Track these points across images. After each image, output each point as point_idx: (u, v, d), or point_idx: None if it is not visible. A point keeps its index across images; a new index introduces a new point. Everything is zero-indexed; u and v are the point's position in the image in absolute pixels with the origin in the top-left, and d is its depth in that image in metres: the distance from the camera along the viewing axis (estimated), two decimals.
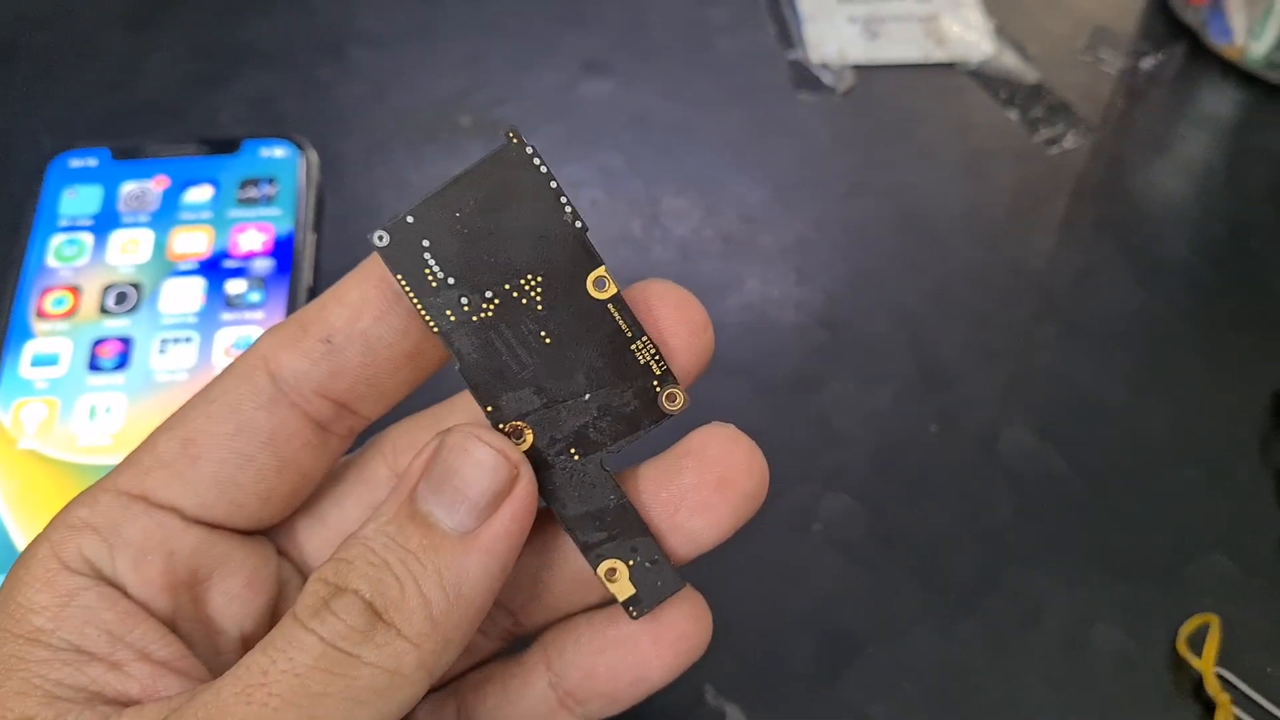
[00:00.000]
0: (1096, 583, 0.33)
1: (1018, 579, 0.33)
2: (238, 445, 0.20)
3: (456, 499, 0.18)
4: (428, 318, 0.19)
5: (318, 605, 0.17)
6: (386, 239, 0.19)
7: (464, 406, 0.22)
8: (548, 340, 0.20)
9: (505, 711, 0.22)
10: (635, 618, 0.21)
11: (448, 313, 0.19)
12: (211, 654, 0.20)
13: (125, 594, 0.19)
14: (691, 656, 0.21)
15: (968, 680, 0.31)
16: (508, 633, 0.23)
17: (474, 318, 0.19)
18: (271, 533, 0.22)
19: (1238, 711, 0.30)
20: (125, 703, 0.18)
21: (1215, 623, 0.31)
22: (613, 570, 0.20)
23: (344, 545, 0.18)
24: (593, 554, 0.21)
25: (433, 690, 0.22)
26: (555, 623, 0.22)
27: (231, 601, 0.21)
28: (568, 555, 0.22)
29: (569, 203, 0.19)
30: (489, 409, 0.20)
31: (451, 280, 0.19)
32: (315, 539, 0.22)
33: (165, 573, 0.19)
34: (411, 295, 0.19)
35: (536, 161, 0.19)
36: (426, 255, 0.19)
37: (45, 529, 0.20)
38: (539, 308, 0.19)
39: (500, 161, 0.19)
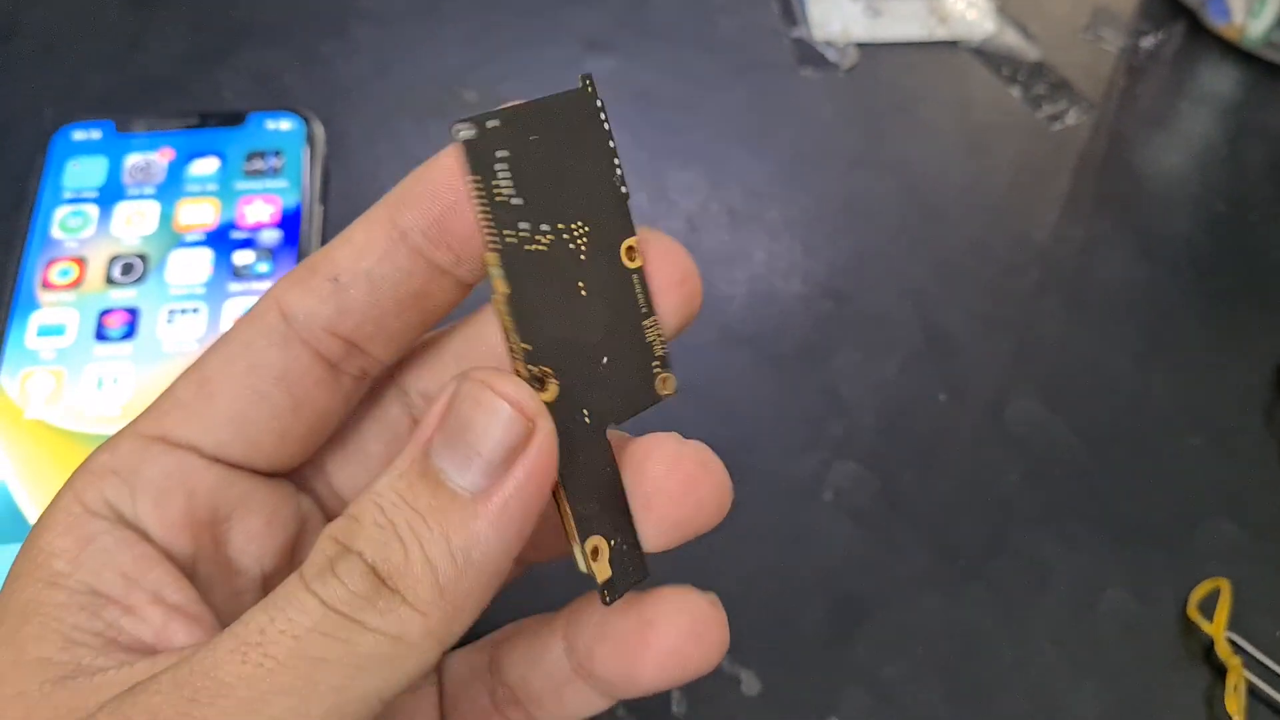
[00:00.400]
0: (1104, 548, 0.33)
1: (1026, 544, 0.33)
2: (251, 382, 0.20)
3: (469, 454, 0.17)
4: (491, 232, 0.18)
5: (323, 565, 0.17)
6: (472, 133, 0.18)
7: (476, 336, 0.22)
8: (583, 293, 0.19)
9: (527, 668, 0.22)
10: (608, 603, 0.19)
11: (507, 233, 0.18)
12: (230, 595, 0.20)
13: (146, 537, 0.19)
14: (688, 673, 0.20)
15: (977, 643, 0.31)
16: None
17: (529, 247, 0.18)
18: (302, 472, 0.22)
19: (1248, 674, 0.31)
20: (139, 648, 0.18)
21: (1226, 587, 0.32)
22: (596, 550, 0.19)
23: (357, 500, 0.17)
24: (583, 526, 0.19)
25: (466, 642, 0.22)
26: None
27: (251, 541, 0.20)
28: None
29: (619, 165, 0.19)
30: (527, 347, 0.18)
31: (517, 201, 0.18)
32: (343, 475, 0.22)
33: (186, 512, 0.19)
34: (481, 201, 0.18)
35: (603, 116, 0.19)
36: (501, 167, 0.18)
37: (70, 477, 0.19)
38: (582, 257, 0.19)
39: (572, 103, 0.19)
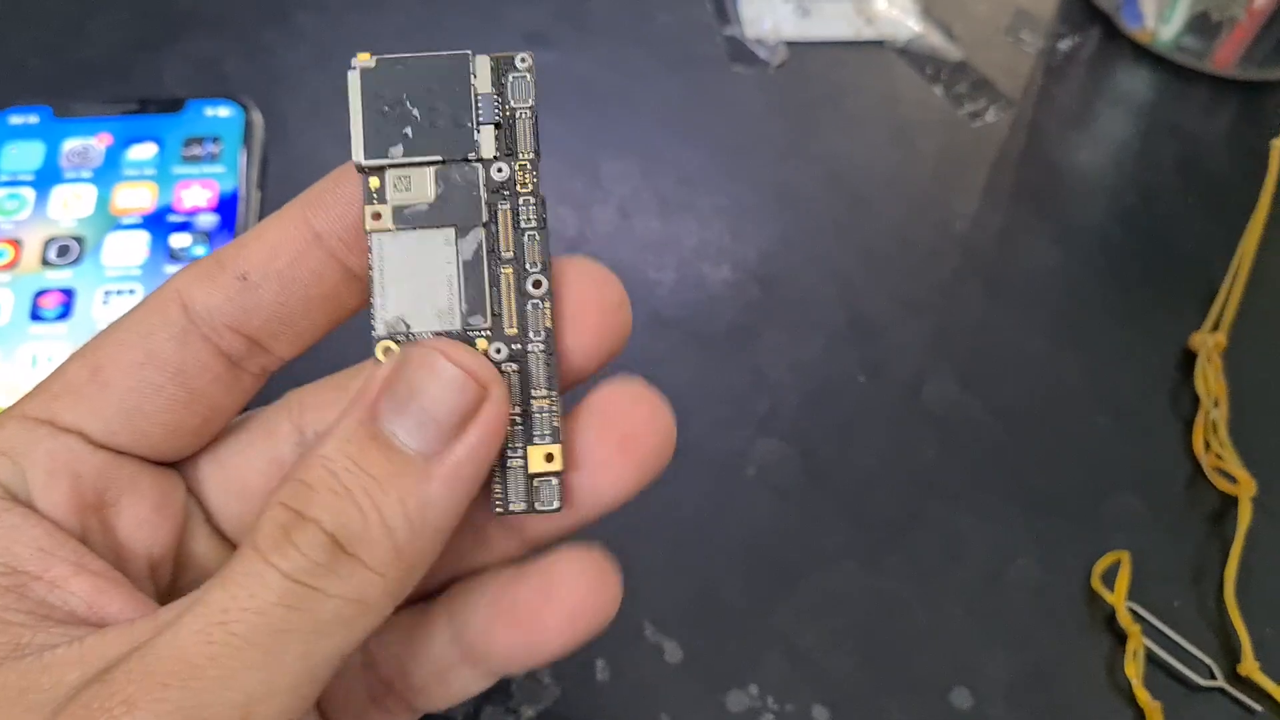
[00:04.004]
0: (1015, 521, 0.34)
1: (941, 517, 0.34)
2: (146, 374, 0.19)
3: (422, 419, 0.17)
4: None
5: (278, 536, 0.17)
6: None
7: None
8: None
9: (407, 659, 0.21)
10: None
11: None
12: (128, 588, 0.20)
13: (43, 516, 0.19)
14: (594, 626, 0.20)
15: (894, 611, 0.33)
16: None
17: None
18: (181, 466, 0.21)
19: (1147, 642, 0.32)
20: (74, 621, 0.18)
21: (1126, 559, 0.33)
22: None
23: (302, 465, 0.17)
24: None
25: None
26: (458, 580, 0.22)
27: (140, 526, 0.20)
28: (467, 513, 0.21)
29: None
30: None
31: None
32: (213, 480, 0.22)
33: (72, 494, 0.19)
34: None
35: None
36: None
37: None
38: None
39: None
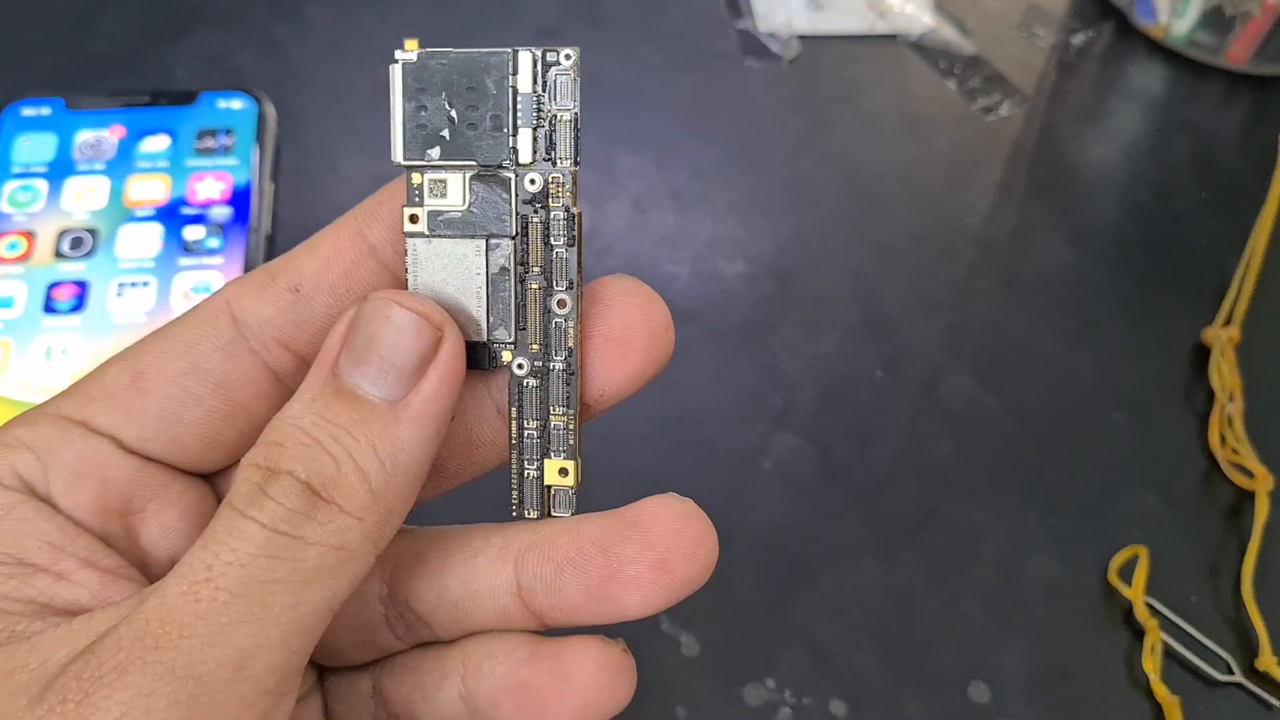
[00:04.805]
0: (1031, 517, 0.34)
1: (957, 513, 0.34)
2: (188, 384, 0.19)
3: (382, 368, 0.18)
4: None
5: (253, 492, 0.17)
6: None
7: None
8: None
9: (416, 703, 0.21)
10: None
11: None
12: (141, 587, 0.20)
13: (59, 511, 0.19)
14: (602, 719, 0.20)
15: (910, 607, 0.33)
16: (421, 639, 0.22)
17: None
18: (213, 478, 0.21)
19: (1165, 636, 0.32)
20: (77, 612, 0.18)
21: (1144, 554, 0.33)
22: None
23: (270, 429, 0.18)
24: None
25: (348, 668, 0.22)
26: (474, 635, 0.21)
27: (165, 535, 0.20)
28: (476, 569, 0.21)
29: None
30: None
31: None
32: None
33: (98, 498, 0.19)
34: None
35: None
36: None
37: None
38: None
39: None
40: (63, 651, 0.16)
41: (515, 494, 0.20)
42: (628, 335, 0.20)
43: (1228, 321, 0.38)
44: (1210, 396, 0.37)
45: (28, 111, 0.39)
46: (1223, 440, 0.36)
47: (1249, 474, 0.35)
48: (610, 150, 0.41)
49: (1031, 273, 0.40)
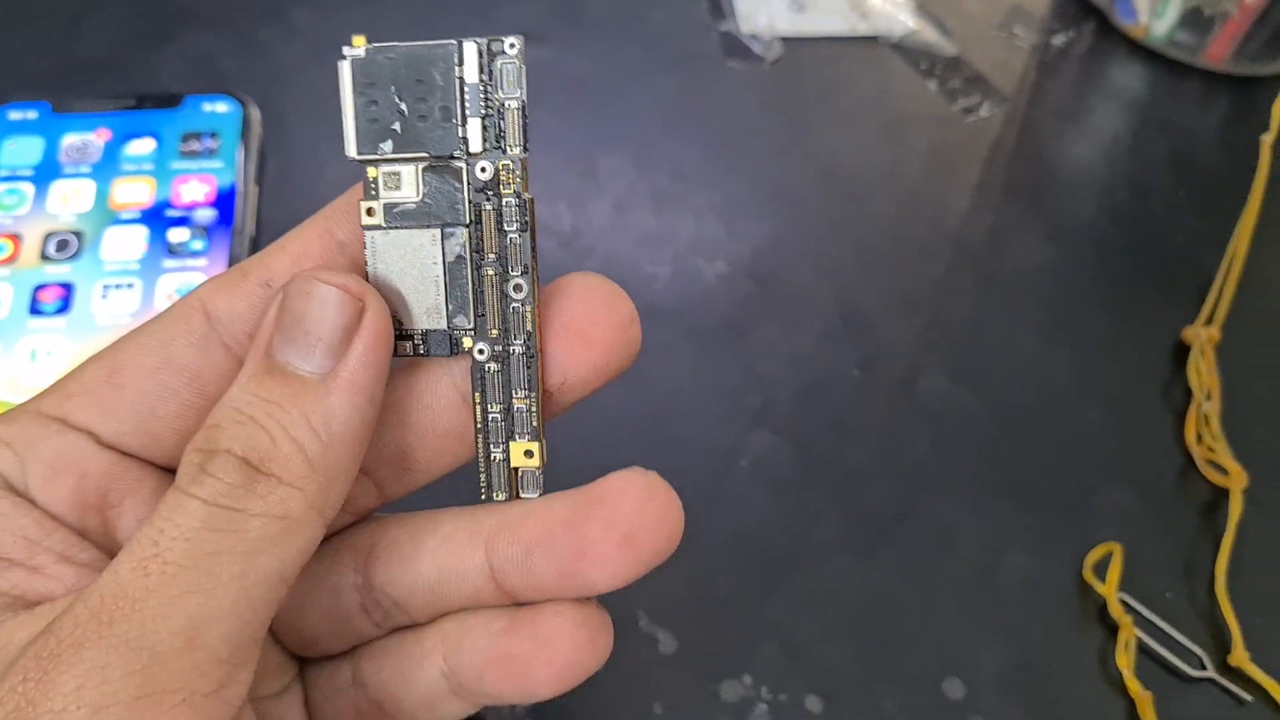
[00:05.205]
0: (1007, 514, 0.35)
1: (933, 510, 0.35)
2: (163, 378, 0.20)
3: (309, 342, 0.18)
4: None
5: (194, 471, 0.17)
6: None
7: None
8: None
9: (398, 685, 0.22)
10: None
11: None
12: None
13: (36, 506, 0.19)
14: (583, 677, 0.21)
15: (886, 603, 0.33)
16: (398, 624, 0.23)
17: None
18: None
19: (1138, 633, 0.32)
20: (49, 602, 0.18)
21: (1118, 551, 0.33)
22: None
23: (210, 414, 0.18)
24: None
25: (327, 659, 0.22)
26: (450, 614, 0.22)
27: None
28: (447, 554, 0.21)
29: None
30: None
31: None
32: None
33: (75, 492, 0.19)
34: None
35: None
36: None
37: None
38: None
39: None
40: (24, 634, 0.17)
41: (483, 477, 0.21)
42: (589, 328, 0.20)
43: (1208, 321, 0.38)
44: (1187, 394, 0.37)
45: (14, 115, 0.40)
46: (1199, 438, 0.36)
47: (1224, 471, 0.35)
48: (591, 151, 0.42)
49: (1010, 272, 0.40)
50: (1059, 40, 0.47)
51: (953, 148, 0.43)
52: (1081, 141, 0.44)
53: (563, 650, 0.20)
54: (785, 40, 0.46)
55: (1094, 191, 0.42)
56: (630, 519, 0.20)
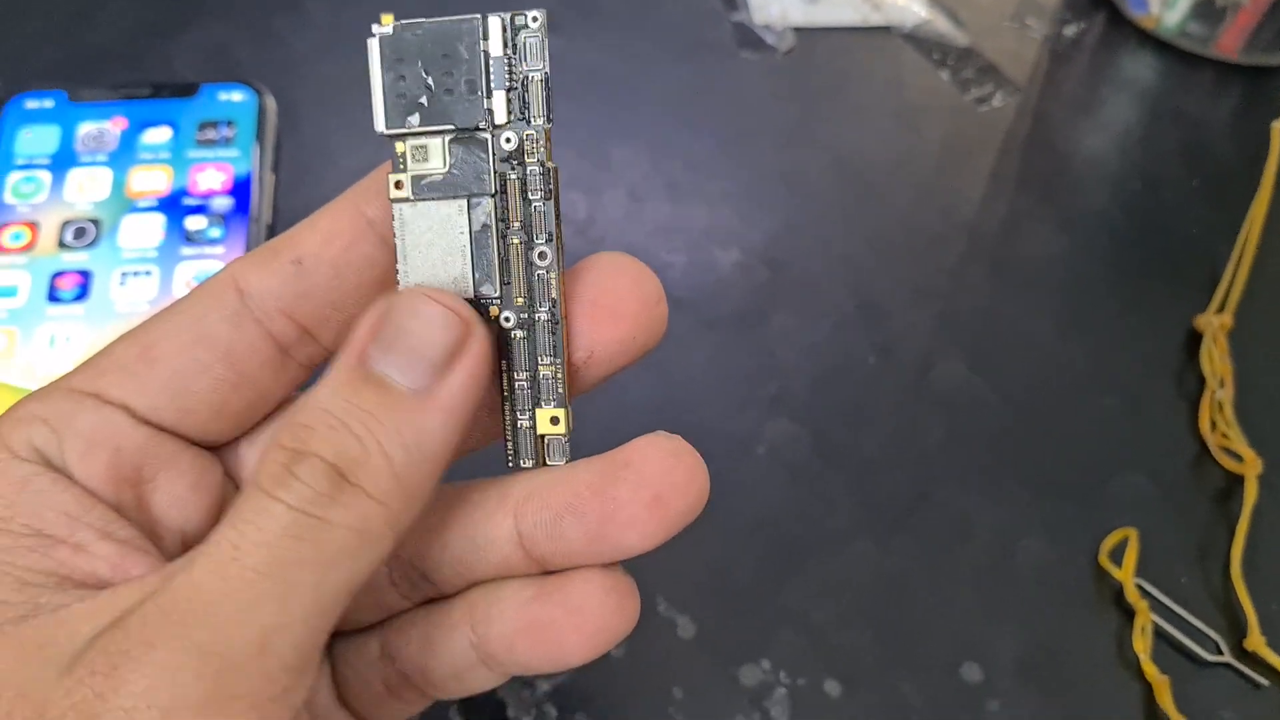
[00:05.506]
0: (1023, 501, 0.35)
1: (949, 497, 0.35)
2: (196, 353, 0.20)
3: (411, 358, 0.18)
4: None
5: (280, 472, 0.17)
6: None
7: None
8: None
9: (426, 657, 0.22)
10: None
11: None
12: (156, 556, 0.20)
13: (75, 482, 0.19)
14: (614, 643, 0.21)
15: (903, 589, 0.33)
16: (426, 596, 0.23)
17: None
18: (220, 452, 0.22)
19: (1155, 618, 0.33)
20: (96, 584, 0.18)
21: (1134, 536, 0.34)
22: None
23: (299, 412, 0.18)
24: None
25: (355, 631, 0.23)
26: (478, 585, 0.22)
27: (175, 504, 0.20)
28: (476, 523, 0.21)
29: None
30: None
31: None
32: (251, 466, 0.22)
33: (111, 466, 0.19)
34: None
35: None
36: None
37: None
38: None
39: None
40: (88, 626, 0.17)
41: (510, 445, 0.21)
42: (617, 303, 0.20)
43: (1220, 308, 0.39)
44: (1201, 382, 0.37)
45: (31, 104, 0.40)
46: (1213, 425, 0.36)
47: (1238, 458, 0.35)
48: (606, 141, 0.42)
49: (1023, 261, 0.40)
50: (1071, 31, 0.47)
51: (965, 138, 0.43)
52: (1094, 132, 0.44)
53: (593, 616, 0.20)
54: (798, 31, 0.46)
55: (1106, 181, 0.43)
56: (659, 480, 0.20)
